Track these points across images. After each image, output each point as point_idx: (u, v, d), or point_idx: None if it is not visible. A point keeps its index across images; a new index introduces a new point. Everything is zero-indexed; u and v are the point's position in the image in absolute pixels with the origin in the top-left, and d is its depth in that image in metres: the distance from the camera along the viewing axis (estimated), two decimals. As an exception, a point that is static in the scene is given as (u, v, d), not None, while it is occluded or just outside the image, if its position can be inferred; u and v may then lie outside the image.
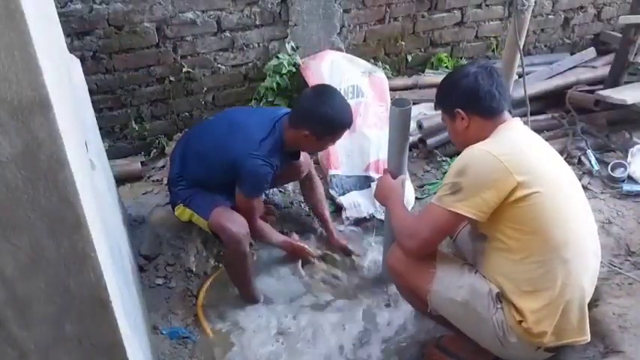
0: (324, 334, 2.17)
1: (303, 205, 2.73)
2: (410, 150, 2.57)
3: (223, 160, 2.10)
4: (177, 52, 2.88)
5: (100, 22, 2.65)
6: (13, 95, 0.83)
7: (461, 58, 3.64)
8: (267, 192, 2.72)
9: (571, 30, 3.86)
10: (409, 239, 1.72)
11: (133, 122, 2.99)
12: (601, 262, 1.79)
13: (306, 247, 2.47)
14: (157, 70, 2.89)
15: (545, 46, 3.87)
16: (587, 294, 1.67)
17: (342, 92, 2.46)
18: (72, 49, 2.57)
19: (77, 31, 2.63)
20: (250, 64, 3.09)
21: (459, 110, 1.73)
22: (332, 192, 2.72)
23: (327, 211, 2.55)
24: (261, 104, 3.03)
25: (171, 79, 2.94)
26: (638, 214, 2.49)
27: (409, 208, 2.49)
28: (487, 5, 3.52)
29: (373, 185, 2.61)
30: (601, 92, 3.03)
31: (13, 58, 0.80)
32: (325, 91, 2.16)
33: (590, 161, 2.86)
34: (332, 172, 2.76)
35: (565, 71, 3.48)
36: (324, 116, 2.05)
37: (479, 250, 1.73)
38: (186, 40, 2.87)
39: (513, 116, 1.75)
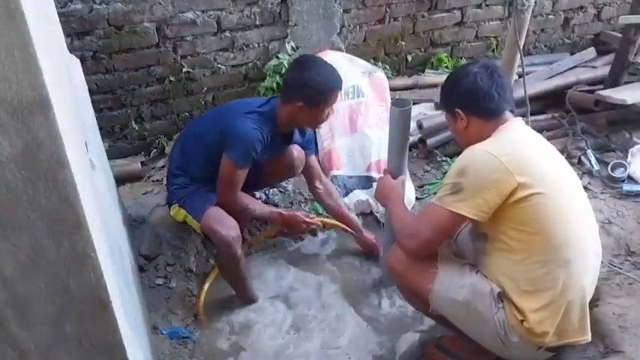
0: (324, 332, 2.17)
1: (303, 205, 2.73)
2: (410, 150, 2.57)
3: (218, 133, 2.10)
4: (177, 52, 2.88)
5: (100, 22, 2.65)
6: (13, 95, 0.83)
7: (461, 58, 3.64)
8: (267, 192, 2.72)
9: (571, 30, 3.86)
10: (410, 239, 1.72)
11: (133, 122, 2.99)
12: (601, 262, 1.79)
13: (299, 213, 2.32)
14: (157, 70, 2.89)
15: (545, 46, 3.87)
16: (588, 294, 1.67)
17: (342, 92, 2.46)
18: (72, 49, 2.57)
19: (77, 31, 2.63)
20: (250, 64, 3.09)
21: (459, 110, 1.73)
22: (335, 192, 2.73)
23: (348, 211, 2.51)
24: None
25: (171, 79, 2.94)
26: (638, 214, 2.49)
27: (409, 207, 2.48)
28: (487, 5, 3.52)
29: (375, 185, 2.61)
30: (601, 92, 3.03)
31: (13, 58, 0.80)
32: (308, 59, 2.18)
33: (590, 161, 2.86)
34: (334, 172, 2.77)
35: (565, 71, 3.48)
36: (312, 82, 2.04)
37: (480, 250, 1.73)
38: (186, 40, 2.87)
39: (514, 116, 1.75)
